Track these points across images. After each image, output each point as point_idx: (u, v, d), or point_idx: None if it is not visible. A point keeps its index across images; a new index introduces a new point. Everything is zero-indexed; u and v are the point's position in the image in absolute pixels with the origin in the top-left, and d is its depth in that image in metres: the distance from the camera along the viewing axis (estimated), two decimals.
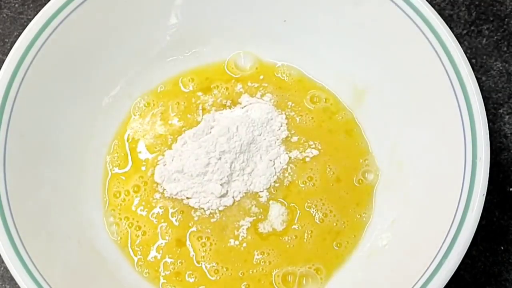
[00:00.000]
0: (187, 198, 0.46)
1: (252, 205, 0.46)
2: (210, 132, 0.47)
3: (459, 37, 0.54)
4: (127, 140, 0.49)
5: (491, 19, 0.55)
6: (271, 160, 0.47)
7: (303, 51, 0.50)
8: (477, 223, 0.38)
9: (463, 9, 0.55)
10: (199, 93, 0.50)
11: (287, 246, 0.45)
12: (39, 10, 0.43)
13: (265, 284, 0.44)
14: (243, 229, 0.46)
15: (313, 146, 0.48)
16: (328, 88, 0.50)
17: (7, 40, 0.55)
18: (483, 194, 0.38)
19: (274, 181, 0.47)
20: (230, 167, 0.46)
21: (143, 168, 0.48)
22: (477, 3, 0.56)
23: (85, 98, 0.47)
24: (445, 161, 0.41)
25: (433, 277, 0.37)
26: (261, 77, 0.51)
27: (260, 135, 0.47)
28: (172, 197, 0.47)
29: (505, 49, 0.54)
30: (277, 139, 0.48)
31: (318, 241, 0.45)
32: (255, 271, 0.45)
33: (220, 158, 0.46)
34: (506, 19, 0.55)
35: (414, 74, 0.44)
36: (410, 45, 0.43)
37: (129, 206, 0.47)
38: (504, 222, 0.48)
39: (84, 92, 0.47)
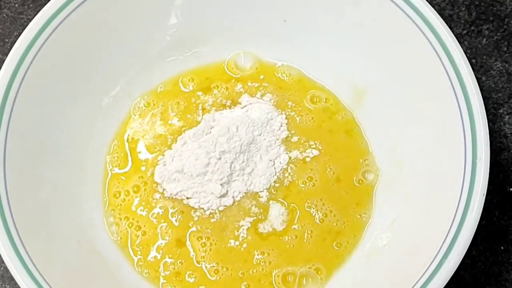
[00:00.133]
0: (187, 198, 0.46)
1: (252, 205, 0.46)
2: (210, 132, 0.47)
3: (459, 37, 0.54)
4: (127, 140, 0.49)
5: (491, 19, 0.55)
6: (271, 160, 0.47)
7: (303, 51, 0.50)
8: (477, 223, 0.38)
9: (463, 9, 0.55)
10: (199, 93, 0.50)
11: (287, 246, 0.45)
12: (39, 10, 0.43)
13: (265, 284, 0.44)
14: (243, 229, 0.46)
15: (313, 146, 0.48)
16: (328, 88, 0.50)
17: (7, 40, 0.55)
18: (483, 194, 0.38)
19: (274, 181, 0.47)
20: (230, 167, 0.46)
21: (143, 168, 0.48)
22: (477, 3, 0.56)
23: (85, 98, 0.47)
24: (445, 161, 0.41)
25: (433, 277, 0.37)
26: (261, 77, 0.51)
27: (260, 135, 0.47)
28: (172, 197, 0.47)
29: (505, 49, 0.54)
30: (277, 139, 0.48)
31: (318, 241, 0.45)
32: (255, 271, 0.45)
33: (220, 158, 0.46)
34: (506, 19, 0.55)
35: (414, 74, 0.44)
36: (410, 45, 0.43)
37: (129, 206, 0.47)
38: (504, 222, 0.48)
39: (84, 92, 0.47)
